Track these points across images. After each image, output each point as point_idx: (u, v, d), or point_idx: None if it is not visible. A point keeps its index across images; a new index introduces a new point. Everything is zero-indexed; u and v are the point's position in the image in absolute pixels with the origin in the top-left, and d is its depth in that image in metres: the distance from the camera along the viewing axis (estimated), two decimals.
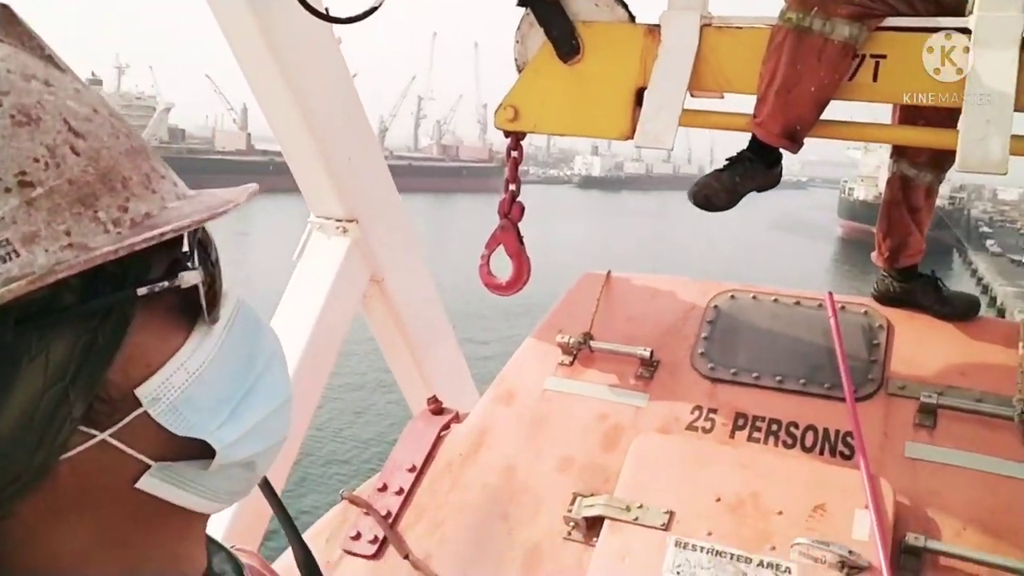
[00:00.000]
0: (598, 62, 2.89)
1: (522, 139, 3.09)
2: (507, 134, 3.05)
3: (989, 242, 77.91)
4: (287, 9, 2.87)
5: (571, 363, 2.97)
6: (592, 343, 2.96)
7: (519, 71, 3.03)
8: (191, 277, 0.68)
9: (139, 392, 0.64)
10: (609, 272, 3.32)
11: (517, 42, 3.03)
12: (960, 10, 2.63)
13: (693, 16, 2.77)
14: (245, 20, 2.98)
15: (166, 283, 0.65)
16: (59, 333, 0.59)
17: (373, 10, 2.87)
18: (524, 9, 2.93)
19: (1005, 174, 2.42)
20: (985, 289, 47.84)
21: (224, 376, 0.70)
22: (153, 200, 0.65)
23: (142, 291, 0.63)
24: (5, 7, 0.64)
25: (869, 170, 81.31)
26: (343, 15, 2.94)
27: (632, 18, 2.93)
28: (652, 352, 2.92)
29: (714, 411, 2.80)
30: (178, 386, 0.66)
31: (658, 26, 2.83)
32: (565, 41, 2.87)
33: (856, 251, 72.09)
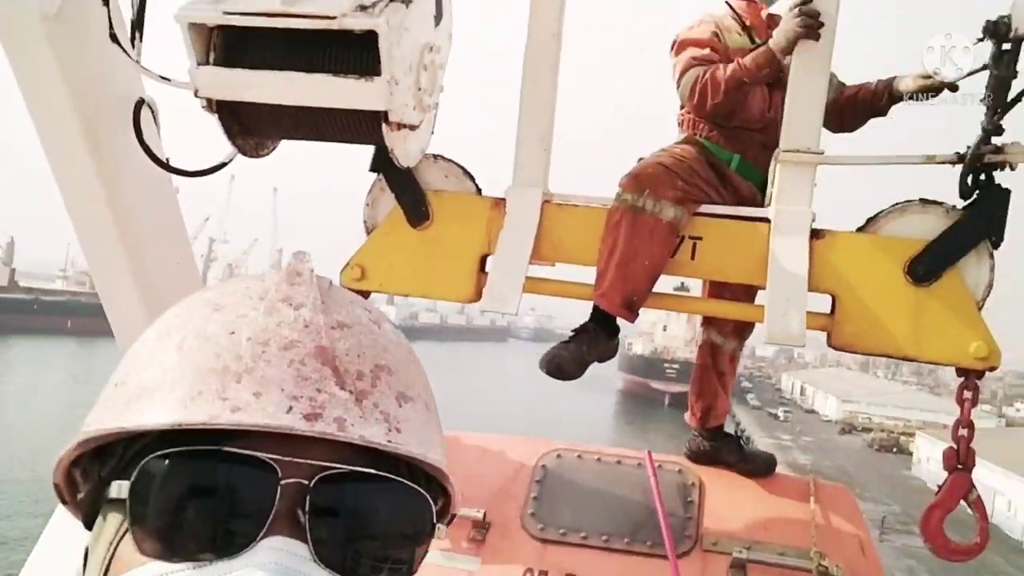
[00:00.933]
0: (446, 229, 3.05)
1: (367, 298, 3.13)
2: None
3: (750, 396, 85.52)
4: (127, 152, 2.82)
5: None
6: None
7: (367, 232, 3.12)
8: (116, 489, 0.68)
9: None
10: None
11: (367, 205, 3.14)
12: (756, 201, 3.08)
13: (535, 192, 3.02)
14: (81, 159, 2.87)
15: (88, 486, 0.73)
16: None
17: (222, 165, 2.89)
18: (377, 174, 3.06)
19: (803, 346, 2.78)
20: (747, 441, 51.80)
21: None
22: (183, 410, 0.66)
23: (82, 494, 0.74)
24: (300, 254, 0.79)
25: (646, 326, 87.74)
26: (188, 167, 2.93)
27: (479, 190, 3.14)
28: (485, 513, 2.94)
29: (544, 573, 2.84)
30: None
31: (503, 199, 3.06)
32: (416, 207, 3.01)
33: (635, 404, 76.35)
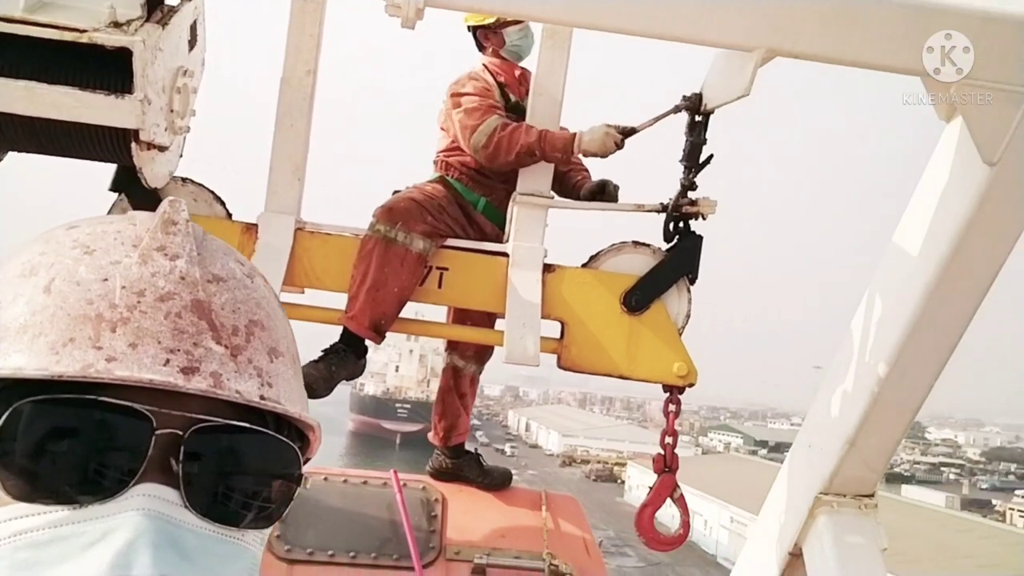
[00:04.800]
0: None
1: None
2: None
3: (479, 433, 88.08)
4: None
5: None
6: None
7: None
8: None
9: None
10: None
11: None
12: (499, 240, 3.37)
13: (288, 219, 3.09)
14: None
15: None
16: None
17: None
18: (117, 193, 2.95)
19: (537, 366, 3.09)
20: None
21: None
22: (55, 356, 0.65)
23: None
24: (175, 202, 0.77)
25: (378, 367, 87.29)
26: None
27: (229, 215, 3.13)
28: None
29: None
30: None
31: (255, 225, 3.08)
32: None
33: (366, 444, 75.35)
